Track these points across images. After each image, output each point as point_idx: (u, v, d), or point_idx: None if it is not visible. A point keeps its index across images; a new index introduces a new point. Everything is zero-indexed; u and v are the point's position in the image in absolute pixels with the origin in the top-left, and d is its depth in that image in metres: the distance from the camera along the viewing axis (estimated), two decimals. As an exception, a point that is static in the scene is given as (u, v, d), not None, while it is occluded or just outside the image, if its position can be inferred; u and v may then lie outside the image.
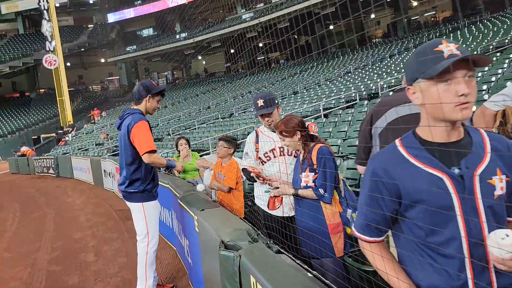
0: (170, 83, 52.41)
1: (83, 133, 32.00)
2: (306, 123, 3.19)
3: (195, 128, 20.30)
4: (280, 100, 4.25)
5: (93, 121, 37.57)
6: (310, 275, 2.10)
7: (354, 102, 13.31)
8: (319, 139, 3.14)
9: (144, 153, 3.81)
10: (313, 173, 2.98)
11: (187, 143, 6.30)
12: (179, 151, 6.26)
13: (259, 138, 3.61)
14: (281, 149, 3.46)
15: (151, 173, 4.03)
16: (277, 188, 3.10)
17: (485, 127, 2.03)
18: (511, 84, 2.33)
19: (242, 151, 9.66)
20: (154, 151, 3.86)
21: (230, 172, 4.44)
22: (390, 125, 2.67)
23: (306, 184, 3.00)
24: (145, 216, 4.00)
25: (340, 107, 13.42)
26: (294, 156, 3.41)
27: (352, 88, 15.99)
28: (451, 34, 25.54)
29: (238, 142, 5.03)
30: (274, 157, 3.48)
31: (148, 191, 4.00)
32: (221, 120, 20.64)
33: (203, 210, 3.44)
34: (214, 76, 49.47)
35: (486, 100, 2.59)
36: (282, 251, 2.46)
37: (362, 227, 1.69)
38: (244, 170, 3.64)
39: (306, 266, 2.17)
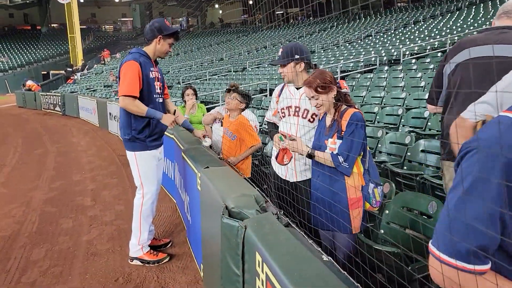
0: (184, 30, 51.29)
1: (93, 73, 31.62)
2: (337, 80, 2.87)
3: (206, 79, 19.89)
4: (309, 56, 3.94)
5: (103, 62, 37.04)
6: (325, 258, 1.82)
7: (374, 67, 12.78)
8: (351, 101, 2.81)
9: (121, 96, 3.57)
10: (341, 141, 2.67)
11: (194, 93, 5.96)
12: (185, 101, 5.94)
13: (282, 92, 3.42)
14: (297, 109, 3.22)
15: (144, 120, 3.72)
16: (293, 140, 2.80)
17: (462, 139, 1.77)
18: (492, 90, 1.89)
19: (255, 107, 9.42)
20: (133, 98, 3.57)
21: (243, 130, 4.21)
22: (459, 65, 2.57)
23: (332, 153, 2.69)
24: (137, 167, 3.80)
25: (358, 70, 12.94)
26: (309, 120, 3.15)
27: (372, 52, 15.35)
28: (482, 4, 24.35)
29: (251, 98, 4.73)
30: (289, 115, 3.28)
31: (141, 140, 3.75)
32: (234, 73, 20.19)
33: (207, 167, 3.20)
34: (229, 27, 48.26)
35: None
36: (293, 225, 2.17)
37: (468, 252, 1.08)
38: (269, 126, 3.52)
39: (319, 249, 1.88)
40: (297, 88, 3.27)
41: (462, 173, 1.10)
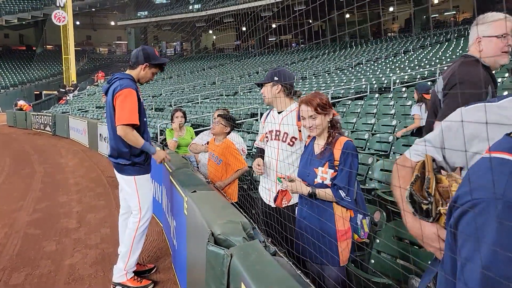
0: (178, 54, 51.70)
1: (85, 94, 31.57)
2: None
3: (198, 102, 19.92)
4: (291, 81, 4.00)
5: (96, 83, 37.08)
6: (313, 289, 1.74)
7: (364, 94, 12.90)
8: (341, 129, 2.77)
9: (120, 125, 3.53)
10: (332, 170, 2.60)
11: (183, 116, 5.93)
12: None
13: (268, 116, 3.49)
14: (277, 133, 3.28)
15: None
16: (292, 181, 2.68)
17: (398, 186, 1.62)
18: (435, 128, 1.73)
19: (245, 131, 9.41)
20: (133, 126, 3.56)
21: (228, 154, 4.20)
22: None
23: (322, 182, 2.62)
24: (137, 191, 3.77)
25: (349, 97, 13.03)
26: (288, 144, 3.18)
27: (363, 79, 15.56)
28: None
29: (237, 122, 4.76)
30: (271, 139, 3.33)
31: (140, 164, 3.76)
32: (225, 97, 20.26)
33: (194, 191, 3.16)
34: (223, 52, 48.74)
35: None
36: (281, 254, 2.09)
37: None
38: (258, 151, 3.57)
39: (308, 281, 1.80)
40: (279, 113, 3.32)
41: (478, 231, 1.01)
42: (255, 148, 3.79)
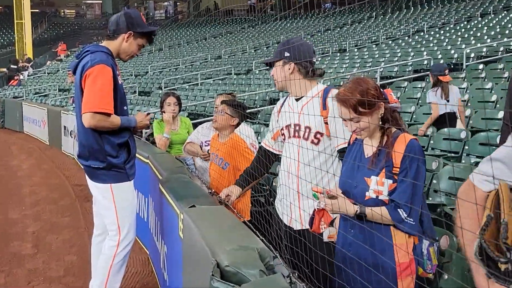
0: (171, 18, 51.98)
1: (45, 73, 31.98)
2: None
3: (198, 84, 20.01)
4: (316, 59, 3.90)
5: (59, 57, 37.50)
6: None
7: (426, 73, 12.77)
8: (402, 122, 2.76)
9: (87, 112, 3.58)
10: (390, 181, 2.57)
11: (177, 103, 5.97)
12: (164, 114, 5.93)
13: (284, 105, 3.54)
14: (296, 127, 3.35)
15: (120, 138, 3.77)
16: (333, 197, 2.65)
17: (471, 224, 1.58)
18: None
19: (262, 123, 9.40)
20: (105, 114, 3.61)
21: (238, 154, 4.21)
22: None
23: (377, 197, 2.60)
24: (115, 204, 3.81)
25: (405, 77, 12.95)
26: (312, 142, 3.27)
27: (425, 53, 15.44)
28: None
29: (249, 111, 4.82)
30: (289, 137, 3.41)
31: (119, 168, 3.79)
32: (235, 76, 20.34)
33: (193, 206, 3.22)
34: (231, 14, 48.82)
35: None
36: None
37: None
38: (262, 157, 3.64)
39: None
40: (297, 100, 3.37)
41: None
42: (258, 150, 3.89)
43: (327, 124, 3.21)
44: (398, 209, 2.52)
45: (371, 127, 2.65)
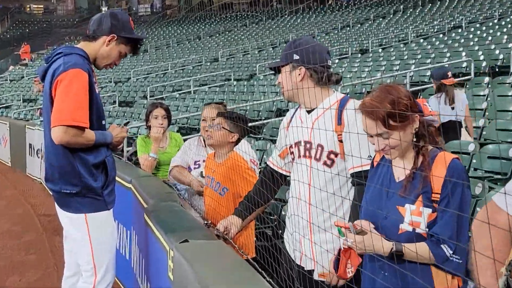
0: (158, 14, 52.26)
1: (6, 80, 32.12)
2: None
3: (190, 92, 20.03)
4: (332, 62, 3.87)
5: (24, 61, 37.66)
6: None
7: (466, 78, 12.80)
8: (440, 139, 2.74)
9: (58, 126, 3.57)
10: (429, 210, 2.56)
11: (166, 116, 5.97)
12: (150, 128, 5.95)
13: (293, 118, 3.59)
14: (307, 145, 3.36)
15: (96, 158, 3.78)
16: (362, 233, 2.60)
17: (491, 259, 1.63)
18: None
19: (267, 138, 9.38)
20: (79, 129, 3.61)
21: (238, 177, 4.21)
22: None
23: (413, 230, 2.59)
24: (90, 238, 3.81)
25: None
26: (325, 163, 3.28)
27: (463, 54, 15.46)
28: None
29: (252, 124, 4.86)
30: (298, 157, 3.44)
31: (96, 194, 3.80)
32: (235, 83, 20.36)
33: (185, 241, 3.20)
34: (230, 9, 49.07)
35: None
36: None
37: None
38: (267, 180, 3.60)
39: None
40: (308, 112, 3.37)
41: None
42: (263, 170, 3.92)
43: (341, 142, 3.21)
44: (442, 245, 2.50)
45: (403, 144, 2.60)
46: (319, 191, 3.19)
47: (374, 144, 2.68)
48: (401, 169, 2.66)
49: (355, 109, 2.77)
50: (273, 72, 4.39)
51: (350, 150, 3.13)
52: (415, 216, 2.57)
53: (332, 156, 3.22)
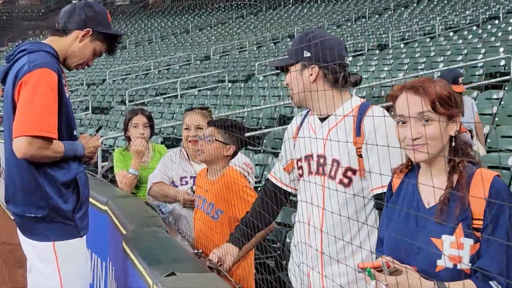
0: (138, 4, 52.62)
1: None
2: None
3: (177, 96, 20.11)
4: (348, 60, 3.89)
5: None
6: None
7: (506, 77, 12.81)
8: (473, 154, 2.70)
9: (21, 136, 3.53)
10: (472, 241, 2.51)
11: (148, 124, 5.97)
12: (129, 140, 5.94)
13: (302, 127, 3.56)
14: (321, 160, 3.35)
15: (66, 175, 3.76)
16: (396, 272, 2.52)
17: None
18: None
19: (268, 152, 9.35)
20: (46, 140, 3.58)
21: (235, 197, 4.24)
22: None
23: (454, 266, 2.53)
24: (59, 271, 3.79)
25: (474, 83, 12.94)
26: (341, 182, 3.26)
27: (501, 49, 15.49)
28: None
29: (250, 134, 4.89)
30: (309, 173, 3.43)
31: (66, 218, 3.78)
32: (229, 85, 20.42)
33: (172, 274, 3.17)
34: (224, -2, 49.40)
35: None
36: None
37: None
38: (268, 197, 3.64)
39: None
40: (322, 119, 3.34)
41: None
42: (263, 187, 3.93)
43: (361, 157, 3.19)
44: (490, 282, 2.46)
45: (440, 139, 2.57)
46: (334, 215, 3.12)
47: (403, 138, 2.61)
48: (431, 191, 2.59)
49: (384, 116, 2.74)
50: (276, 71, 4.38)
51: (371, 167, 3.11)
52: (455, 249, 2.52)
53: (349, 173, 3.20)
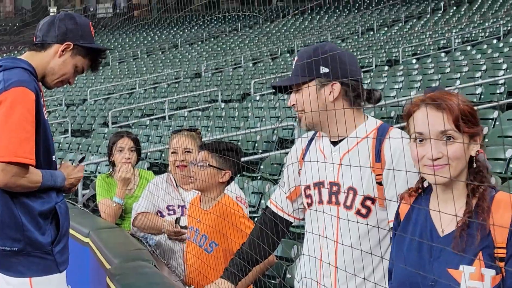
0: (122, 17, 52.62)
1: None
2: None
3: (165, 118, 20.08)
4: (357, 71, 3.88)
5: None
6: None
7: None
8: (489, 177, 2.68)
9: None
10: (493, 272, 2.49)
11: (134, 148, 5.99)
12: (113, 165, 5.97)
13: (309, 150, 3.49)
14: (334, 188, 3.27)
15: (45, 205, 3.77)
16: None
17: None
18: None
19: (267, 179, 9.31)
20: (22, 167, 3.57)
21: (231, 229, 4.20)
22: None
23: None
24: None
25: (493, 103, 12.97)
26: (358, 213, 3.17)
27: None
28: None
29: (246, 159, 4.90)
30: (319, 203, 3.34)
31: (44, 252, 3.80)
32: (223, 105, 20.41)
33: None
34: (217, 9, 49.43)
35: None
36: None
37: None
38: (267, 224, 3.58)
39: None
40: (334, 143, 3.28)
41: None
42: (262, 215, 3.83)
43: (381, 185, 3.13)
44: None
45: (460, 163, 2.54)
46: (350, 250, 3.04)
47: (420, 157, 2.55)
48: (446, 217, 2.56)
49: (406, 138, 2.68)
50: (274, 91, 4.34)
51: (392, 196, 3.01)
52: (475, 281, 2.48)
53: (368, 203, 3.12)
